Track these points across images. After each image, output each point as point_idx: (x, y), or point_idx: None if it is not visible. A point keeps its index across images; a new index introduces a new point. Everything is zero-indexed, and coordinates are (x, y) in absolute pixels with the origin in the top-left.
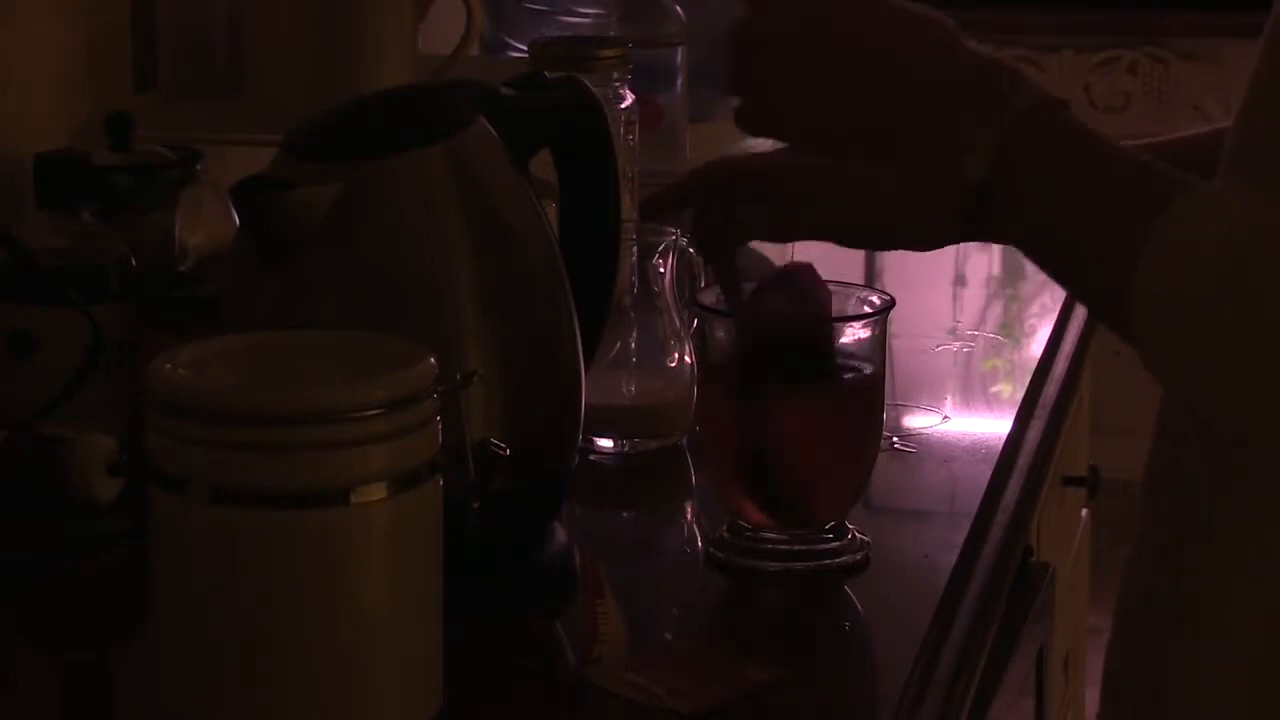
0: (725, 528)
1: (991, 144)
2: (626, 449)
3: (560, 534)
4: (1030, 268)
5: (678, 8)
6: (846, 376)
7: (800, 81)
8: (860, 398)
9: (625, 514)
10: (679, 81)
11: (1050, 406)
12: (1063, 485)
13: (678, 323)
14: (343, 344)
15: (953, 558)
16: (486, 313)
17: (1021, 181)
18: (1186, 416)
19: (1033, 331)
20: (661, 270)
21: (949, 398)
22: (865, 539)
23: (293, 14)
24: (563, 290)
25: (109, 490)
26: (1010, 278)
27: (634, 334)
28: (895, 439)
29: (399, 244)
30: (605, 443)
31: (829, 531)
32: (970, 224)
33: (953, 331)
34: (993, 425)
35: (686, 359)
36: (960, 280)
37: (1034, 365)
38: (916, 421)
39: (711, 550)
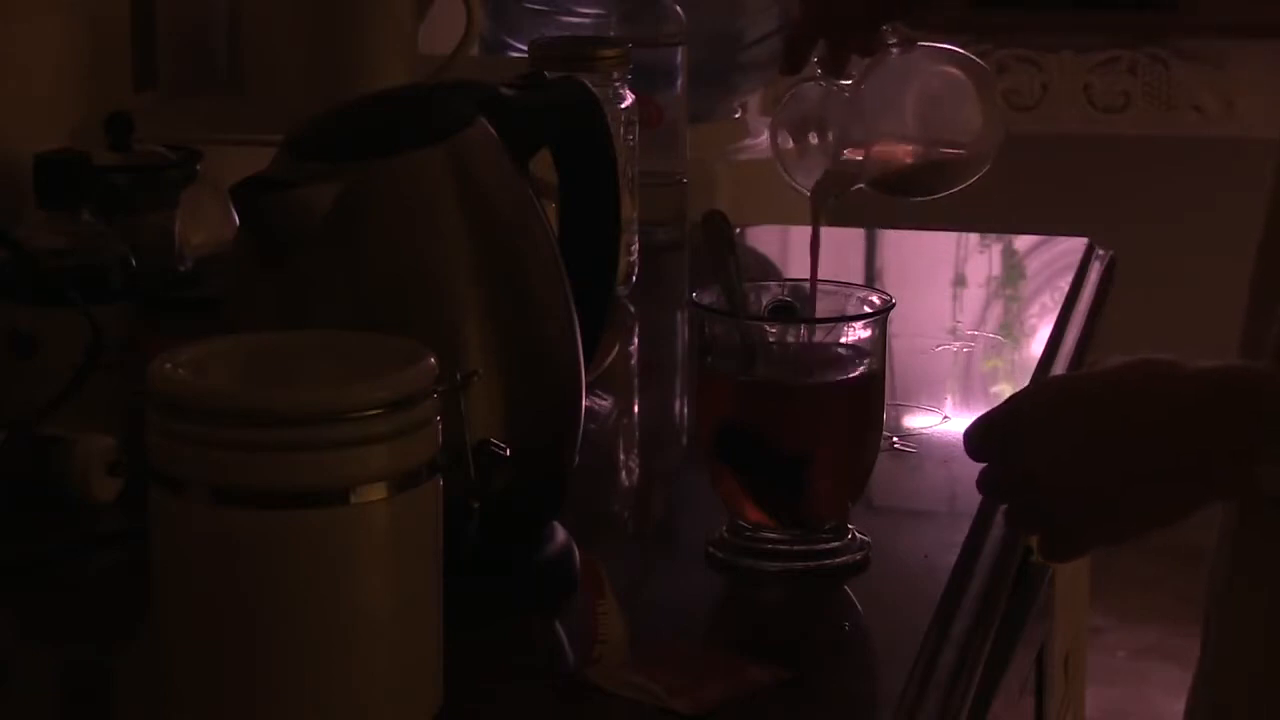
0: (725, 528)
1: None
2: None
3: (560, 534)
4: (1030, 268)
5: (678, 8)
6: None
7: (1089, 498)
8: (860, 398)
9: (625, 514)
10: (679, 81)
11: None
12: None
13: None
14: (343, 344)
15: (953, 558)
16: (486, 313)
17: None
18: None
19: (1033, 331)
20: None
21: (949, 398)
22: (865, 539)
23: (293, 14)
24: (563, 290)
25: (109, 490)
26: (1010, 278)
27: None
28: (895, 439)
29: (399, 244)
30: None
31: (829, 531)
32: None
33: (953, 331)
34: None
35: None
36: (960, 280)
37: (1034, 365)
38: (916, 421)
39: (711, 550)
